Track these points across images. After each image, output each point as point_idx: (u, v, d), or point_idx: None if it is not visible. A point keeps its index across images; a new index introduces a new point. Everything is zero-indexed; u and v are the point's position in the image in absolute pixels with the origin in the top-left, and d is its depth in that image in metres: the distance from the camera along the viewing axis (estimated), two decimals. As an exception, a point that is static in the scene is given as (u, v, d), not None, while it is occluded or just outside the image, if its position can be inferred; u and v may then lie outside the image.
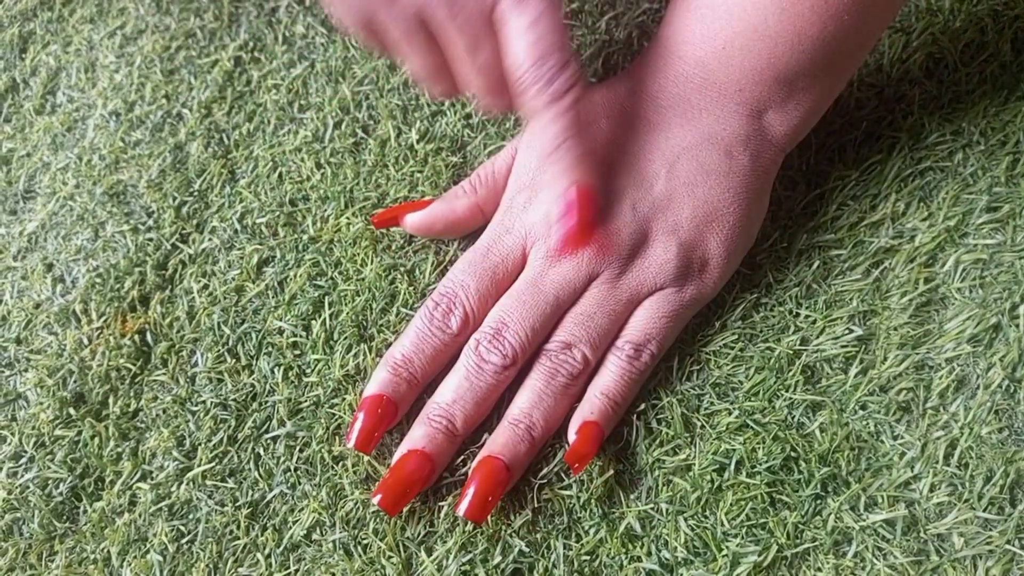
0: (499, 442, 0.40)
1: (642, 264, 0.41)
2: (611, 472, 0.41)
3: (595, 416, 0.40)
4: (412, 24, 0.38)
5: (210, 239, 0.48)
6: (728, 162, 0.41)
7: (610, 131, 0.42)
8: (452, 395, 0.41)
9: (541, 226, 0.42)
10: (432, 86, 0.41)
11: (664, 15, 0.44)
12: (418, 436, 0.40)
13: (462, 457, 0.42)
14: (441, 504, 0.41)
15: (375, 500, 0.38)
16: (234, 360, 0.45)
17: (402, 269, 0.46)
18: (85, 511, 0.43)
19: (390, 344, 0.44)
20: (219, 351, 0.45)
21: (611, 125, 0.42)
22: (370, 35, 0.40)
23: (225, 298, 0.47)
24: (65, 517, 0.43)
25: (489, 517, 0.40)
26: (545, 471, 0.41)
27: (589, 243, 0.40)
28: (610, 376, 0.41)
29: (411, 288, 0.46)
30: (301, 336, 0.45)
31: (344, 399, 0.43)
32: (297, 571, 0.40)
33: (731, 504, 0.40)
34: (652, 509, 0.40)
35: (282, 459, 0.43)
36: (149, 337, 0.46)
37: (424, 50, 0.39)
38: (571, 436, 0.40)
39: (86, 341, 0.46)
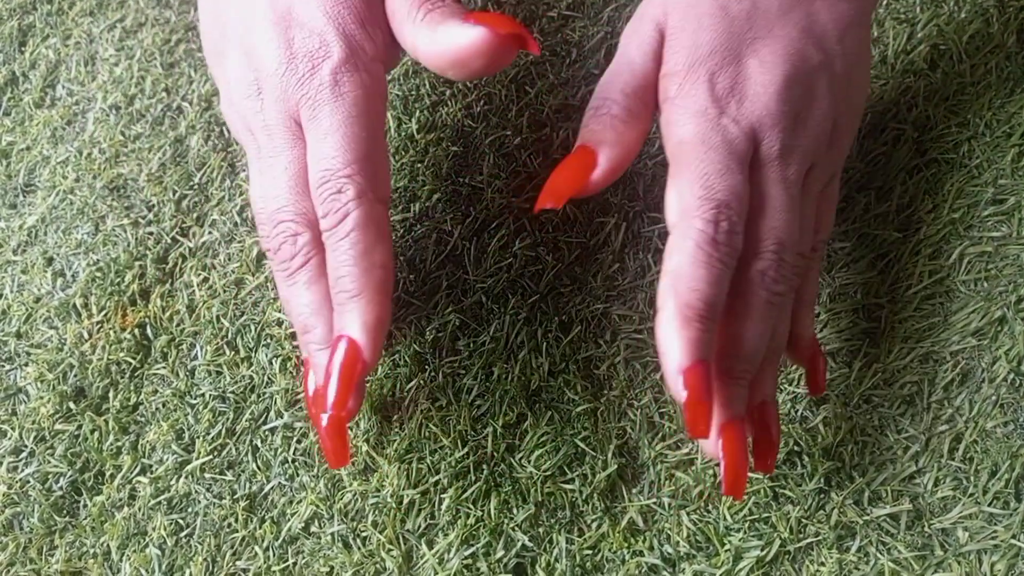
0: (769, 383, 0.36)
1: (834, 154, 0.37)
2: (614, 467, 0.40)
3: (810, 331, 0.38)
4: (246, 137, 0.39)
5: (210, 232, 0.48)
6: (869, 33, 0.39)
7: (767, 8, 0.36)
8: (755, 342, 0.34)
9: (767, 117, 0.35)
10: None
11: None
12: (729, 400, 0.34)
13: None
14: (443, 496, 0.41)
15: (724, 492, 0.34)
16: (233, 352, 0.45)
17: (403, 258, 0.46)
18: (85, 505, 0.43)
19: (391, 333, 0.44)
20: (218, 344, 0.45)
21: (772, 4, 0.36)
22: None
23: (225, 291, 0.46)
24: (65, 511, 0.43)
25: (492, 510, 0.40)
26: (547, 464, 0.41)
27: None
28: (815, 278, 0.38)
29: (412, 276, 0.45)
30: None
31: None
32: (295, 564, 0.40)
33: (734, 498, 0.40)
34: (654, 503, 0.40)
35: (280, 451, 0.42)
36: (149, 331, 0.46)
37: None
38: (804, 355, 0.38)
39: (86, 335, 0.46)
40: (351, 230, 0.36)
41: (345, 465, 0.37)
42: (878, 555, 0.38)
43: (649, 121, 0.38)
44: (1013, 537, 0.38)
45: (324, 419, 0.36)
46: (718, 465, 0.35)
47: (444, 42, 0.35)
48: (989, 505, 0.38)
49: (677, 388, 0.32)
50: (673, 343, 0.32)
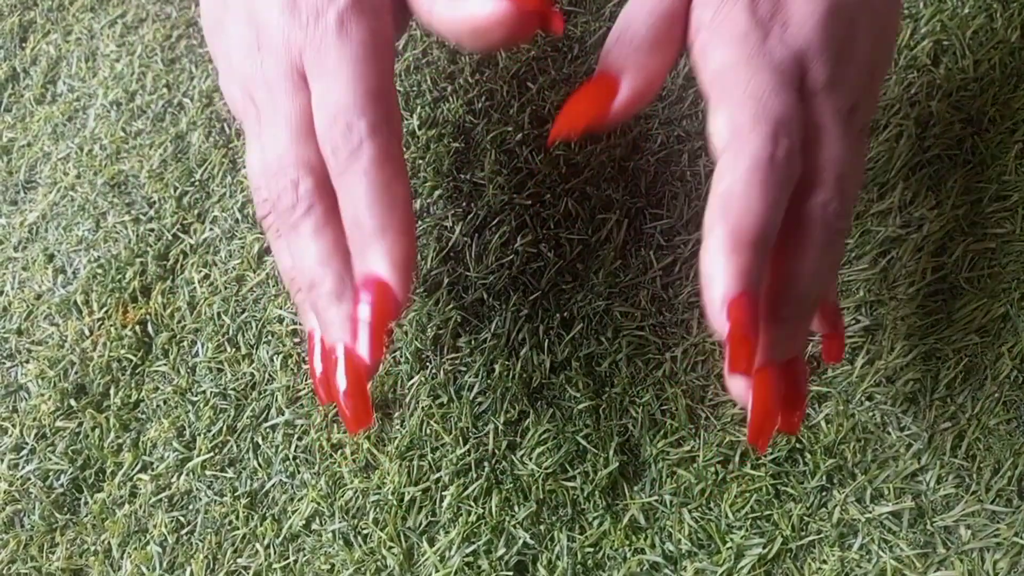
0: (799, 345, 0.33)
1: (871, 95, 0.35)
2: (615, 464, 0.40)
3: (835, 296, 0.37)
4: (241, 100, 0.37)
5: (211, 229, 0.48)
6: None
7: None
8: (811, 281, 0.31)
9: (814, 44, 0.32)
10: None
11: None
12: (773, 341, 0.31)
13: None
14: (444, 494, 0.41)
15: (748, 439, 0.31)
16: (234, 349, 0.45)
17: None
18: (86, 502, 0.43)
19: (392, 330, 0.44)
20: (219, 341, 0.45)
21: None
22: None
23: (226, 288, 0.46)
24: (66, 509, 0.43)
25: (494, 508, 0.40)
26: (549, 461, 0.41)
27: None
28: (840, 245, 0.35)
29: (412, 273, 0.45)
30: (300, 323, 0.45)
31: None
32: (296, 561, 0.40)
33: (736, 496, 0.40)
34: (656, 501, 0.40)
35: (281, 448, 0.42)
36: (150, 328, 0.46)
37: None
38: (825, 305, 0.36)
39: (87, 332, 0.46)
40: (368, 164, 0.33)
41: (367, 426, 0.34)
42: (880, 553, 0.38)
43: (676, 51, 0.35)
44: (1016, 535, 0.37)
45: (342, 380, 0.33)
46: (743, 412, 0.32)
47: (463, 10, 0.34)
48: (992, 503, 0.38)
49: (720, 320, 0.29)
50: (720, 270, 0.29)
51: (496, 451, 0.41)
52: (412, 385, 0.43)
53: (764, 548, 0.38)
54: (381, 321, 0.32)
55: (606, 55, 0.34)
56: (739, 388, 0.32)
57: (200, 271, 0.47)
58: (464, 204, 0.46)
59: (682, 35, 0.35)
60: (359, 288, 0.33)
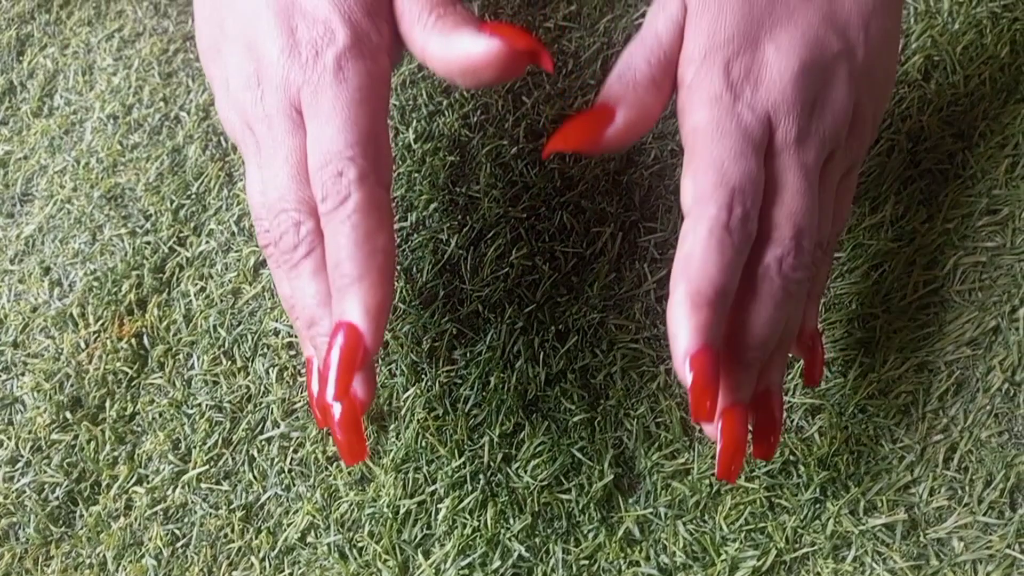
0: (775, 370, 0.36)
1: (854, 143, 0.36)
2: (610, 476, 0.40)
3: (814, 324, 0.37)
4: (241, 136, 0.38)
5: (207, 242, 0.48)
6: (897, 21, 0.38)
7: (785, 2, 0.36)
8: (767, 330, 0.34)
9: (782, 103, 0.35)
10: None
11: None
12: (736, 386, 0.34)
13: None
14: (440, 506, 0.41)
15: (717, 475, 0.34)
16: (230, 362, 0.45)
17: (399, 267, 0.46)
18: (81, 515, 0.43)
19: (387, 343, 0.44)
20: (215, 353, 0.45)
21: None
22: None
23: (222, 300, 0.47)
24: (61, 521, 0.43)
25: (489, 520, 0.40)
26: (544, 474, 0.41)
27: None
28: (825, 273, 0.38)
29: (408, 286, 0.45)
30: (296, 336, 0.45)
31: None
32: (292, 574, 0.40)
33: (730, 508, 0.40)
34: (651, 513, 0.40)
35: (276, 460, 0.42)
36: (146, 340, 0.46)
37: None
38: (801, 348, 0.37)
39: (83, 345, 0.46)
40: (352, 212, 0.34)
41: (363, 459, 0.36)
42: (873, 565, 0.38)
43: (670, 94, 0.37)
44: (1008, 547, 0.38)
45: (337, 413, 0.35)
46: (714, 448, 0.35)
47: (456, 50, 0.35)
48: (984, 515, 0.38)
49: (684, 372, 0.32)
50: (682, 327, 0.32)
51: (491, 463, 0.42)
52: (408, 397, 0.43)
53: (758, 560, 0.38)
54: (348, 364, 0.34)
55: (606, 90, 0.36)
56: (709, 426, 0.35)
57: (196, 284, 0.47)
58: (460, 217, 0.47)
59: (675, 80, 0.37)
60: (332, 331, 0.34)
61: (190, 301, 0.47)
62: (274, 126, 0.36)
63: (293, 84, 0.36)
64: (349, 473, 0.42)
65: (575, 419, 0.42)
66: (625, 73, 0.36)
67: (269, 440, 0.43)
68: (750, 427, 0.36)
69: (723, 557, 0.39)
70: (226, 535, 0.41)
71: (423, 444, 0.42)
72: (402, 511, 0.41)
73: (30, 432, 0.45)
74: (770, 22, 0.35)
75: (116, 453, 0.44)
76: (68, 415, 0.45)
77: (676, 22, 0.37)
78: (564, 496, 0.41)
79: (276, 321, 0.45)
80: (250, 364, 0.45)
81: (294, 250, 0.36)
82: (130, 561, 0.41)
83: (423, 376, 0.44)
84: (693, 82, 0.36)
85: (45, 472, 0.43)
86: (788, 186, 0.34)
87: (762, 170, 0.34)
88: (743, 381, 0.34)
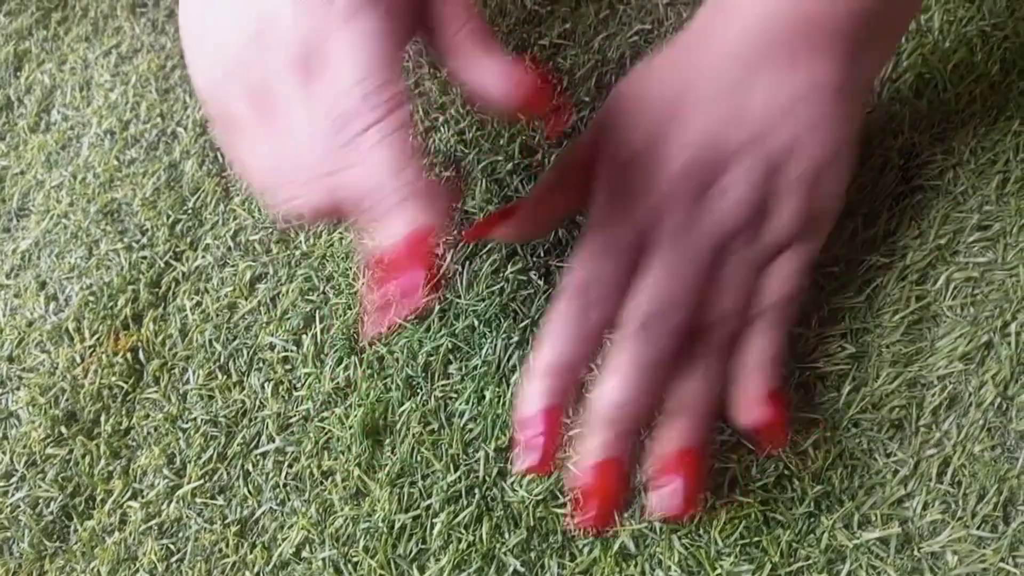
0: (684, 430, 0.38)
1: (771, 225, 0.39)
2: (604, 490, 0.40)
3: (773, 383, 0.39)
4: (257, 95, 0.35)
5: (204, 257, 0.48)
6: (837, 109, 0.39)
7: (709, 87, 0.39)
8: (628, 391, 0.37)
9: (668, 198, 0.38)
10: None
11: None
12: (603, 443, 0.37)
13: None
14: (435, 521, 0.41)
15: (576, 520, 0.37)
16: (225, 377, 0.45)
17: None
18: (75, 530, 0.43)
19: (383, 357, 0.44)
20: (210, 368, 0.45)
21: (708, 79, 0.40)
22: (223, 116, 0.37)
23: (217, 315, 0.47)
24: (55, 536, 0.43)
25: (484, 535, 0.40)
26: (539, 488, 0.41)
27: (417, 287, 0.34)
28: (759, 344, 0.39)
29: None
30: (292, 351, 0.45)
31: (333, 412, 0.43)
32: (288, 590, 0.40)
33: (725, 522, 0.40)
34: (646, 528, 0.40)
35: (271, 475, 0.42)
36: (141, 355, 0.46)
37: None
38: (749, 417, 0.39)
39: (78, 359, 0.46)
40: (391, 133, 0.33)
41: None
42: (868, 579, 0.38)
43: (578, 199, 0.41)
44: (1002, 560, 0.38)
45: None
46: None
47: (478, 73, 0.37)
48: (978, 528, 0.38)
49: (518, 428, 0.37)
50: (525, 391, 0.38)
51: (487, 478, 0.42)
52: (403, 412, 0.43)
53: (753, 575, 0.38)
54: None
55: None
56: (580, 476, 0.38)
57: (192, 298, 0.47)
58: (455, 232, 0.47)
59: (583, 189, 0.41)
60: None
61: (186, 316, 0.47)
62: (284, 81, 0.34)
63: (298, 35, 0.34)
64: (344, 488, 0.42)
65: (570, 433, 0.42)
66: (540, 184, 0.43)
67: (264, 455, 0.43)
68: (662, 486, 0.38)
69: (718, 571, 0.39)
70: (221, 550, 0.41)
71: (418, 458, 0.42)
72: (397, 526, 0.41)
73: (25, 446, 0.44)
74: (668, 127, 0.39)
75: (111, 468, 0.44)
76: (63, 429, 0.44)
77: (590, 135, 0.41)
78: (559, 510, 0.41)
79: (272, 336, 0.45)
80: (245, 379, 0.45)
81: (366, 117, 0.33)
82: (124, 576, 0.41)
83: (418, 390, 0.44)
84: (594, 183, 0.40)
85: (40, 487, 0.43)
86: (656, 270, 0.38)
87: (623, 262, 0.38)
88: (607, 439, 0.37)
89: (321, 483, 0.42)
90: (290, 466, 0.43)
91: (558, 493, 0.41)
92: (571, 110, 0.38)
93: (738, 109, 0.39)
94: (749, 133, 0.39)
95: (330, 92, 0.34)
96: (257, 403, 0.44)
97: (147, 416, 0.45)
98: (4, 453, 0.44)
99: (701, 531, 0.40)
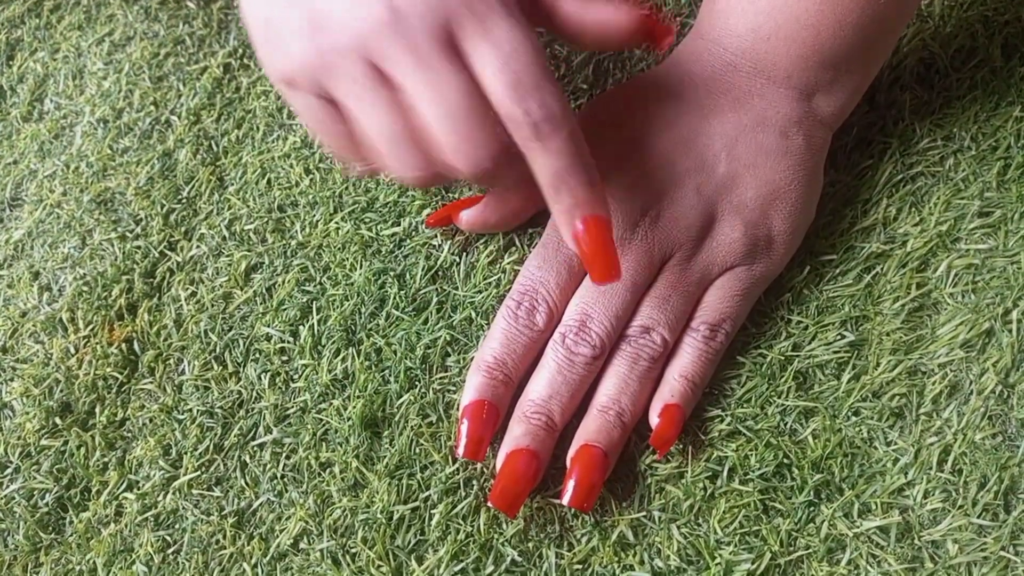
0: (592, 430, 0.40)
1: (711, 244, 0.42)
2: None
3: (676, 399, 0.41)
4: (362, 73, 0.34)
5: (198, 246, 0.48)
6: (784, 142, 0.42)
7: (662, 117, 0.43)
8: (547, 390, 0.41)
9: (613, 212, 0.41)
10: (395, 156, 0.36)
11: (700, 9, 0.45)
12: (520, 434, 0.40)
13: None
14: (433, 512, 0.40)
15: (490, 504, 0.39)
16: (221, 367, 0.45)
17: (392, 273, 0.46)
18: (71, 522, 0.42)
19: (381, 349, 0.44)
20: (206, 359, 0.45)
21: (662, 111, 0.43)
22: (307, 98, 0.36)
23: (213, 305, 0.46)
24: (51, 528, 0.42)
25: (482, 526, 0.40)
26: (536, 479, 0.41)
27: (616, 270, 0.37)
28: (688, 358, 0.41)
29: (401, 292, 0.45)
30: (289, 342, 0.45)
31: (331, 404, 0.43)
32: (285, 581, 0.40)
33: (724, 511, 0.40)
34: (645, 517, 0.40)
35: (268, 466, 0.42)
36: (136, 345, 0.46)
37: (383, 104, 0.35)
38: (653, 420, 0.41)
39: (73, 350, 0.46)
40: (569, 135, 0.35)
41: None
42: (868, 568, 0.38)
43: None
44: (1002, 549, 0.38)
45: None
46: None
47: (592, 13, 0.38)
48: (978, 517, 0.38)
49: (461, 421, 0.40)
50: (465, 385, 0.41)
51: (485, 469, 0.41)
52: (401, 404, 0.43)
53: (753, 564, 0.38)
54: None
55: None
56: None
57: (187, 288, 0.47)
58: (452, 223, 0.46)
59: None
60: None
61: (181, 306, 0.47)
62: (426, 54, 0.33)
63: (443, 8, 0.33)
64: (342, 479, 0.42)
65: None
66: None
67: (261, 446, 0.43)
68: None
69: (717, 560, 0.39)
70: (218, 541, 0.41)
71: (417, 450, 0.42)
72: (395, 517, 0.40)
73: (19, 438, 0.44)
74: (623, 148, 0.42)
75: (106, 459, 0.43)
76: (58, 421, 0.44)
77: None
78: (557, 500, 0.40)
79: (268, 326, 0.45)
80: (242, 369, 0.45)
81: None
82: (120, 568, 0.41)
83: (416, 383, 0.43)
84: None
85: (34, 478, 0.43)
86: (587, 283, 0.42)
87: (563, 275, 0.42)
88: (526, 431, 0.40)
89: (319, 475, 0.42)
90: (288, 458, 0.42)
91: (555, 483, 0.41)
92: (677, 24, 0.40)
93: (691, 134, 0.42)
94: (694, 160, 0.42)
95: (498, 64, 0.34)
96: (254, 394, 0.44)
97: (142, 407, 0.44)
98: (-1, 445, 0.44)
99: (700, 520, 0.40)
